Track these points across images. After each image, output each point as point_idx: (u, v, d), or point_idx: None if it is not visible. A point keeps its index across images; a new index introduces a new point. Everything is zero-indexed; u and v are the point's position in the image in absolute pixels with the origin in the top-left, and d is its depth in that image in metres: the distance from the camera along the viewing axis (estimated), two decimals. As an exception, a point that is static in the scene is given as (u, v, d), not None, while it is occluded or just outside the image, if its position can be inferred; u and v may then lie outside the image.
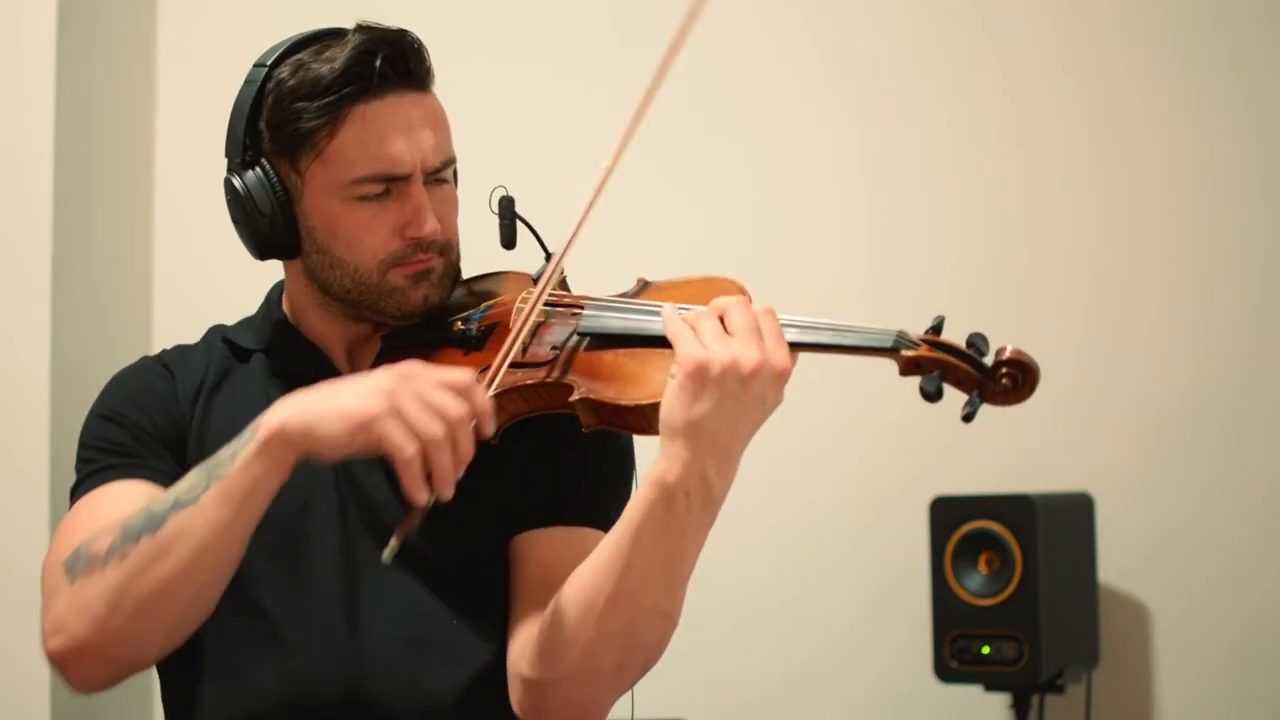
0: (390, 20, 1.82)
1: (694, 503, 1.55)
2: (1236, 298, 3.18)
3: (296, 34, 1.81)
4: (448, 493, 1.53)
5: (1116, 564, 3.14)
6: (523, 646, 1.68)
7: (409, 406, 1.53)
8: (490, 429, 1.57)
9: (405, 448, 1.51)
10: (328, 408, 1.55)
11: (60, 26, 3.28)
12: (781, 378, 1.55)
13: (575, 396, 1.65)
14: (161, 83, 3.60)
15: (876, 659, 3.27)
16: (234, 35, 3.55)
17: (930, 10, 3.37)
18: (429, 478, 1.53)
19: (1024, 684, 2.96)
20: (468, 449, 1.54)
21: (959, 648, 2.97)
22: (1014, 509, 2.96)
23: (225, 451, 1.60)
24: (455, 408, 1.53)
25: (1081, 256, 3.26)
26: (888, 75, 3.37)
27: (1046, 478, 3.15)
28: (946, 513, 3.02)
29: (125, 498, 1.72)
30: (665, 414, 1.54)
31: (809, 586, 3.31)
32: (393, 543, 1.54)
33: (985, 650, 2.94)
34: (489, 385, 1.64)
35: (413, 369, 1.56)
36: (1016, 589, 2.93)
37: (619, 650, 1.61)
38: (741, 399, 1.53)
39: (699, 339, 1.55)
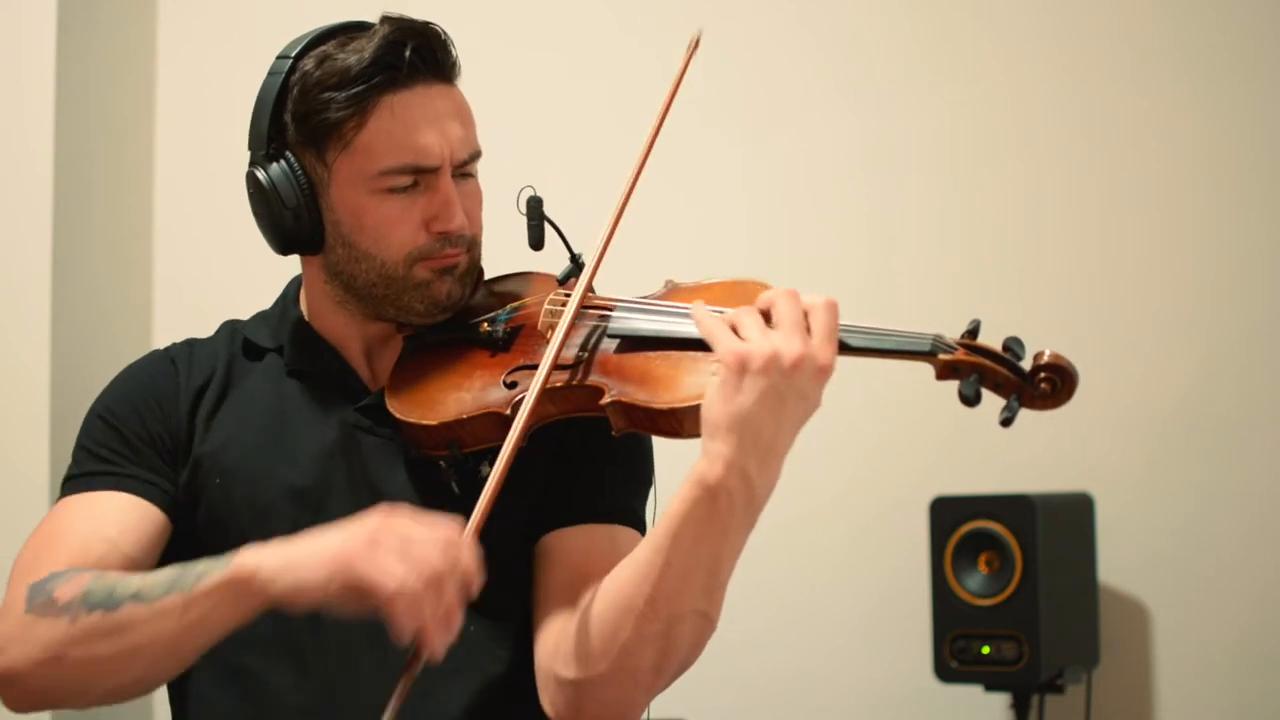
0: (393, 12, 1.80)
1: (736, 502, 1.52)
2: (1236, 298, 3.18)
3: (319, 26, 1.79)
4: (438, 650, 1.48)
5: (1116, 564, 3.14)
6: (556, 647, 1.66)
7: (391, 549, 1.48)
8: (476, 590, 1.51)
9: (387, 584, 1.46)
10: (305, 553, 1.51)
11: (60, 26, 3.29)
12: (824, 373, 1.53)
13: (606, 399, 1.64)
14: (161, 83, 3.60)
15: (876, 659, 3.27)
16: (234, 35, 3.56)
17: (930, 8, 3.38)
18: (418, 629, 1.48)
19: (1024, 684, 2.96)
20: (454, 606, 1.49)
21: (959, 648, 2.97)
22: (1014, 509, 2.96)
23: (200, 565, 1.57)
24: (438, 560, 1.48)
25: (1081, 256, 3.26)
26: (888, 74, 3.37)
27: (1046, 478, 3.15)
28: (946, 513, 3.02)
29: (106, 513, 1.71)
30: (706, 411, 1.52)
31: (809, 587, 3.31)
32: (389, 711, 1.49)
33: (985, 650, 2.94)
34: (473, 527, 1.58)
35: (396, 514, 1.52)
36: (1016, 589, 2.93)
37: (657, 651, 1.59)
38: (784, 393, 1.51)
39: (739, 333, 1.52)
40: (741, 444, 1.51)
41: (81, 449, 1.78)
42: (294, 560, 1.51)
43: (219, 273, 3.39)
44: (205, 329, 1.93)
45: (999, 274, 3.26)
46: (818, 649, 3.30)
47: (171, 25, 3.60)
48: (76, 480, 1.76)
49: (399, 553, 1.48)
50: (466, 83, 1.82)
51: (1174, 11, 3.24)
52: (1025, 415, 3.38)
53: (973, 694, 3.08)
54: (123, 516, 1.72)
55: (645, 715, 1.81)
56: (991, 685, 3.00)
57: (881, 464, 3.30)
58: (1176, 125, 3.23)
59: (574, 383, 1.67)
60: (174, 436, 1.78)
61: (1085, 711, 3.09)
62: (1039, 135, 3.30)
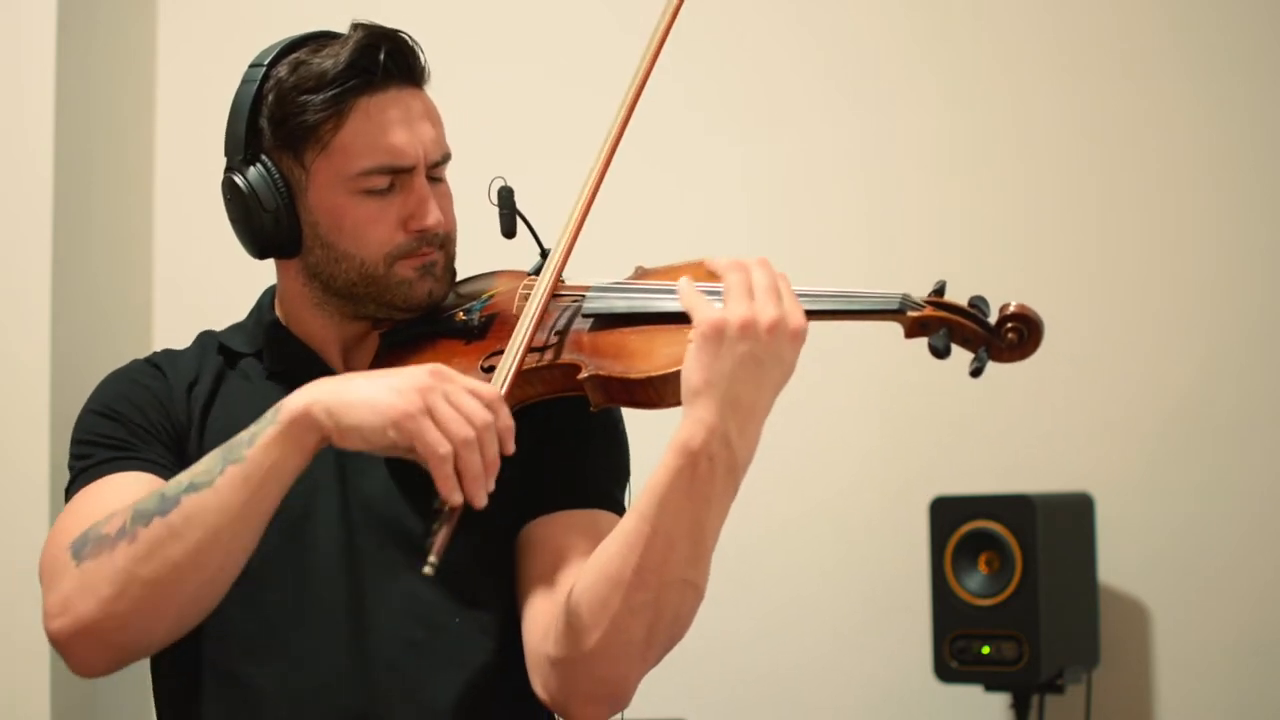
0: (387, 18, 1.83)
1: (718, 467, 1.56)
2: (1237, 297, 3.18)
3: (290, 36, 1.82)
4: (481, 498, 1.54)
5: (1116, 564, 3.15)
6: (545, 629, 1.68)
7: (441, 406, 1.54)
8: (512, 447, 1.57)
9: (440, 446, 1.52)
10: (358, 397, 1.56)
11: (60, 26, 3.29)
12: (797, 336, 1.57)
13: (584, 374, 1.67)
14: (161, 83, 3.60)
15: (876, 659, 3.27)
16: (234, 35, 3.55)
17: (930, 8, 3.38)
18: (460, 481, 1.54)
19: (1024, 684, 2.96)
20: (495, 457, 1.55)
21: (959, 648, 2.97)
22: (1014, 509, 2.96)
23: (243, 435, 1.60)
24: (483, 414, 1.55)
25: (1081, 257, 3.26)
26: (888, 74, 3.38)
27: (1046, 478, 3.15)
28: (946, 513, 3.02)
29: (127, 487, 1.70)
30: (685, 377, 1.56)
31: (809, 586, 3.31)
32: (432, 558, 1.53)
33: (985, 650, 2.94)
34: (502, 384, 1.65)
35: (444, 370, 1.58)
36: (1016, 589, 2.93)
37: (646, 623, 1.61)
38: (760, 357, 1.55)
39: (726, 292, 1.57)
40: (722, 409, 1.54)
41: (81, 444, 1.78)
42: (346, 404, 1.56)
43: (219, 273, 3.38)
44: (205, 328, 1.93)
45: (999, 274, 3.26)
46: (818, 648, 3.30)
47: (171, 25, 3.60)
48: (87, 473, 1.74)
49: (447, 413, 1.53)
50: (441, 78, 1.84)
51: (1174, 11, 3.25)
52: (1025, 415, 3.39)
53: (973, 694, 3.09)
54: (151, 489, 1.68)
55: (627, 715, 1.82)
56: (991, 685, 3.00)
57: (881, 464, 3.31)
58: (1176, 125, 3.23)
59: (552, 361, 1.70)
60: (175, 424, 1.79)
61: (1085, 711, 3.09)
62: (1039, 135, 3.30)
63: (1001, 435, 3.22)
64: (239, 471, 1.57)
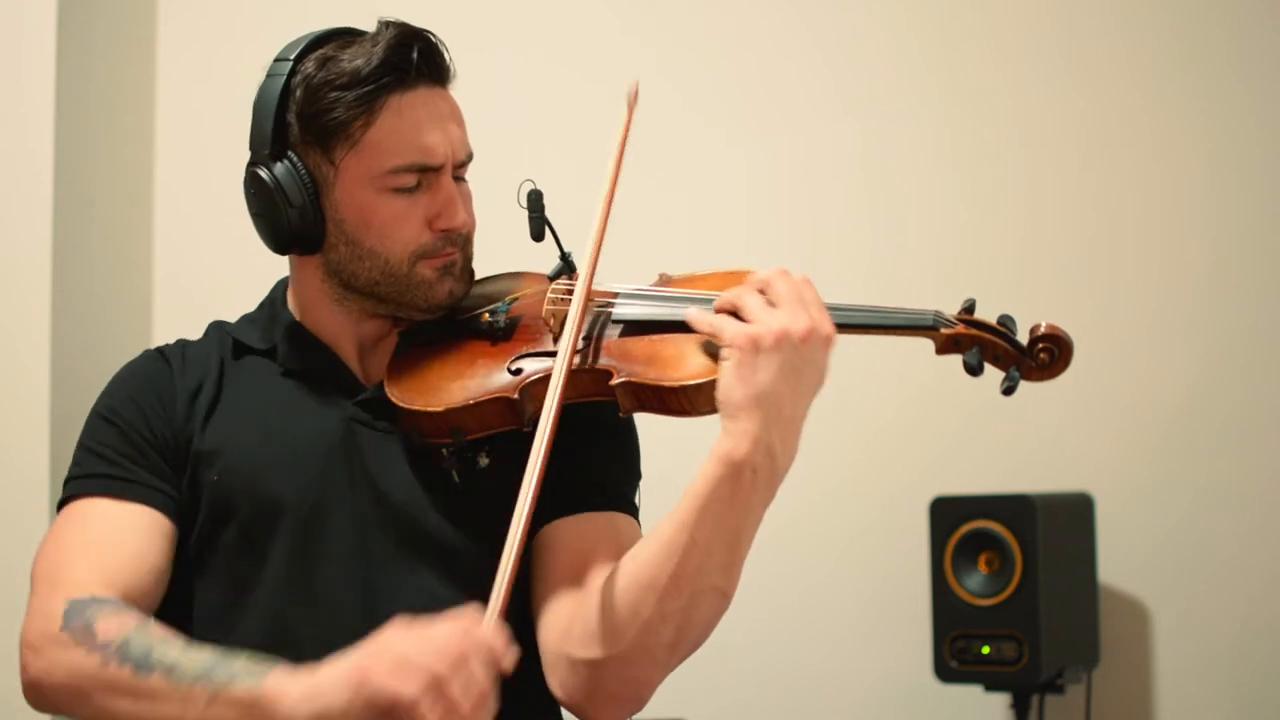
0: (388, 16, 1.83)
1: (759, 477, 1.58)
2: (1237, 297, 3.18)
3: (313, 31, 1.82)
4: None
5: (1116, 564, 3.14)
6: (566, 630, 1.68)
7: (404, 654, 1.48)
8: (510, 665, 1.51)
9: (404, 690, 1.45)
10: (328, 679, 1.51)
11: (60, 26, 3.29)
12: (829, 342, 1.60)
13: (616, 380, 1.67)
14: (161, 83, 3.60)
15: (876, 659, 3.27)
16: (234, 35, 3.56)
17: (931, 8, 3.38)
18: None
19: (1024, 684, 2.96)
20: (486, 686, 1.48)
21: (959, 648, 2.97)
22: (1014, 509, 2.97)
23: (236, 664, 1.57)
24: (456, 648, 1.48)
25: (1081, 257, 3.26)
26: (888, 74, 3.38)
27: (1046, 478, 3.15)
28: (946, 513, 3.02)
29: (130, 525, 1.72)
30: (724, 392, 1.58)
31: (809, 586, 3.31)
32: None
33: (985, 650, 2.94)
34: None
35: (410, 624, 1.51)
36: (1016, 589, 2.93)
37: (676, 628, 1.63)
38: (798, 366, 1.58)
39: (744, 315, 1.59)
40: (765, 420, 1.57)
41: (86, 449, 1.79)
42: (317, 688, 1.51)
43: (219, 272, 3.39)
44: (205, 328, 1.93)
45: (999, 274, 3.26)
46: (818, 649, 3.30)
47: (171, 25, 3.60)
48: (84, 480, 1.76)
49: (413, 656, 1.47)
50: (468, 79, 1.84)
51: (1174, 11, 3.25)
52: (1025, 415, 3.39)
53: (973, 694, 3.09)
54: (145, 527, 1.73)
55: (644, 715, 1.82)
56: (991, 685, 3.00)
57: (882, 463, 3.31)
58: (1177, 124, 3.23)
59: (583, 366, 1.70)
60: (175, 435, 1.79)
61: (1085, 711, 3.09)
62: (1039, 134, 3.30)
63: (1001, 435, 3.22)
64: (204, 695, 1.55)
